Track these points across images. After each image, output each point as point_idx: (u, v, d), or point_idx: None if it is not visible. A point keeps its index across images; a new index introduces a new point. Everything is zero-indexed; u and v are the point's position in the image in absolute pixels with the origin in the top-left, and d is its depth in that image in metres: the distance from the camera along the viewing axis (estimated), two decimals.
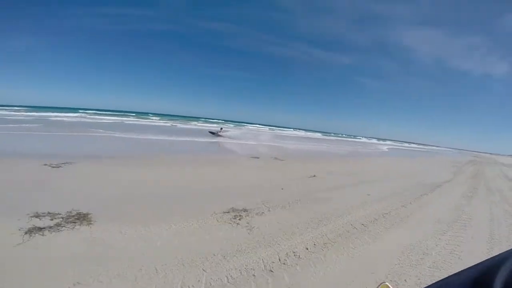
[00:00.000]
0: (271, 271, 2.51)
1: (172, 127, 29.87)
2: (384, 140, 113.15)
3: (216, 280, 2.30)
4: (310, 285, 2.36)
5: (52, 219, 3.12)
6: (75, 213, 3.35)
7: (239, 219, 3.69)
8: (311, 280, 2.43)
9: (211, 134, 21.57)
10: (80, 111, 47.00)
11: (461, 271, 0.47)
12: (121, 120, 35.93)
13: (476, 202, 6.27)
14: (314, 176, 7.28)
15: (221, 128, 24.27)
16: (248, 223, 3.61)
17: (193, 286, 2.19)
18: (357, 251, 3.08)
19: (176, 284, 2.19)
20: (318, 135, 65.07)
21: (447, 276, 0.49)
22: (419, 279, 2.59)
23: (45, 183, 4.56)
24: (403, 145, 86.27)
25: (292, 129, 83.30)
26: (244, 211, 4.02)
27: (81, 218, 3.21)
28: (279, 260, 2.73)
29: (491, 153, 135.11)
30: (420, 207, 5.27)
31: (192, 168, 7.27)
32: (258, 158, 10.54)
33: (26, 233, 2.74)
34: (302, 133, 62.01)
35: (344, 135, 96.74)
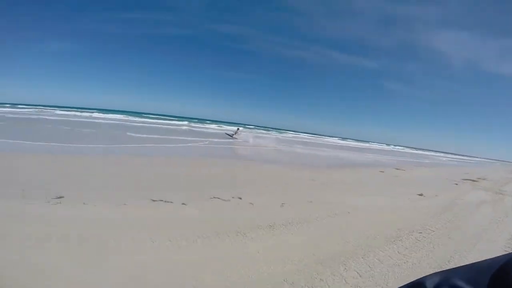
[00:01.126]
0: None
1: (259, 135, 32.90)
2: (416, 149, 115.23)
3: None
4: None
5: None
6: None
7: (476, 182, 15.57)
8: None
9: (228, 136, 22.14)
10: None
11: (478, 262, 0.50)
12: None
13: None
14: (467, 173, 19.00)
15: (238, 129, 24.78)
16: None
17: None
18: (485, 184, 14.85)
19: None
20: (337, 140, 73.42)
21: (462, 265, 0.52)
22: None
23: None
24: (437, 155, 75.68)
25: (320, 135, 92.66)
26: (475, 181, 15.89)
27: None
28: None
29: None
30: None
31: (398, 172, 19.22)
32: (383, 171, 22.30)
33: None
34: (334, 140, 72.17)
35: (372, 142, 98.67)
